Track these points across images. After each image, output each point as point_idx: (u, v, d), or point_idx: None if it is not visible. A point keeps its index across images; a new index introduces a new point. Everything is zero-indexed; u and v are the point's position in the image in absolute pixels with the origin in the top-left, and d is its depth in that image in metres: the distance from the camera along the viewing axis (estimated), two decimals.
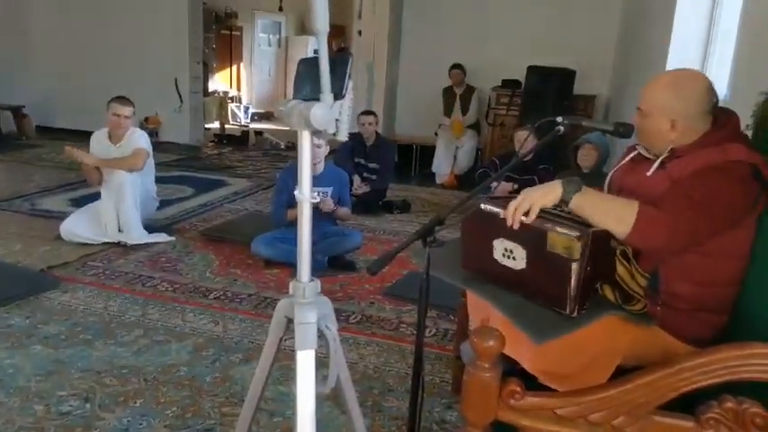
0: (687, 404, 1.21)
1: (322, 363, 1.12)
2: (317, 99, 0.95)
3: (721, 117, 1.60)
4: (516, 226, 1.50)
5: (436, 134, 6.78)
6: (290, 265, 3.62)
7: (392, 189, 5.60)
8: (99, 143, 4.02)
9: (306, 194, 1.03)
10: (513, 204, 1.51)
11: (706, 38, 3.78)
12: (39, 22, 8.08)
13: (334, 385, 1.07)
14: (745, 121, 1.68)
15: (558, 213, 1.54)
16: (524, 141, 4.33)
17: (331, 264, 3.68)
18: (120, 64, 7.68)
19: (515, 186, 4.58)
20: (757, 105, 1.72)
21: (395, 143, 6.44)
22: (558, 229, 1.45)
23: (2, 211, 4.61)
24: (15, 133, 7.73)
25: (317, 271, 3.75)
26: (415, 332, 2.87)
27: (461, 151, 6.64)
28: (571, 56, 6.11)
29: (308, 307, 0.98)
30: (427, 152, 6.86)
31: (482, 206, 1.64)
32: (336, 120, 0.95)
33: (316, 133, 0.97)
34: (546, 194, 1.51)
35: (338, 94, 0.95)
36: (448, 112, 6.79)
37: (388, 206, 5.24)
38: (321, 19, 0.88)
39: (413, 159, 7.10)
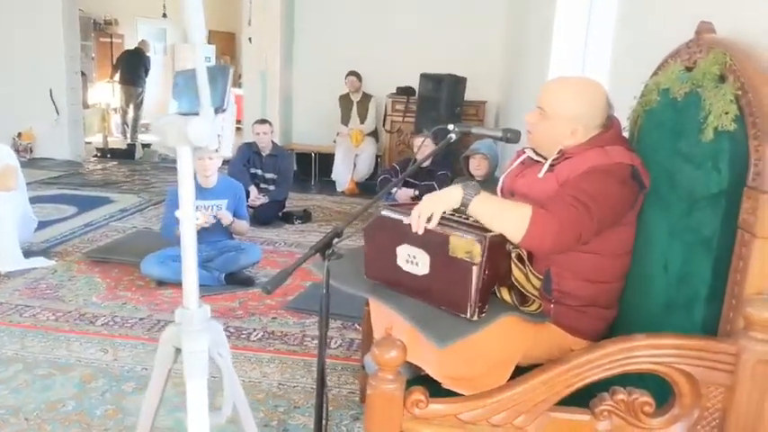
0: (584, 398, 1.26)
1: (218, 388, 1.06)
2: (197, 113, 0.89)
3: (605, 121, 1.69)
4: (421, 231, 1.51)
5: (335, 141, 6.76)
6: None
7: (292, 199, 5.52)
8: None
9: (188, 216, 0.96)
10: (416, 210, 1.52)
11: (583, 44, 4.02)
12: None
13: (230, 413, 1.01)
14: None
15: (458, 219, 1.58)
16: (421, 147, 4.42)
17: (229, 280, 3.55)
18: None
19: (416, 192, 4.66)
20: (633, 110, 1.83)
21: (292, 152, 6.36)
22: (459, 233, 1.48)
23: None
24: None
25: (214, 288, 3.60)
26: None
27: (361, 158, 6.66)
28: (461, 63, 6.32)
29: (197, 335, 0.92)
30: (326, 160, 6.84)
31: (384, 213, 1.64)
32: (218, 135, 0.90)
33: (197, 150, 0.91)
34: (446, 199, 1.53)
35: (219, 108, 0.89)
36: (345, 119, 6.79)
37: (288, 217, 5.15)
38: (196, 29, 0.83)
39: (312, 168, 7.04)
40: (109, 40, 10.58)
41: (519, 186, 1.75)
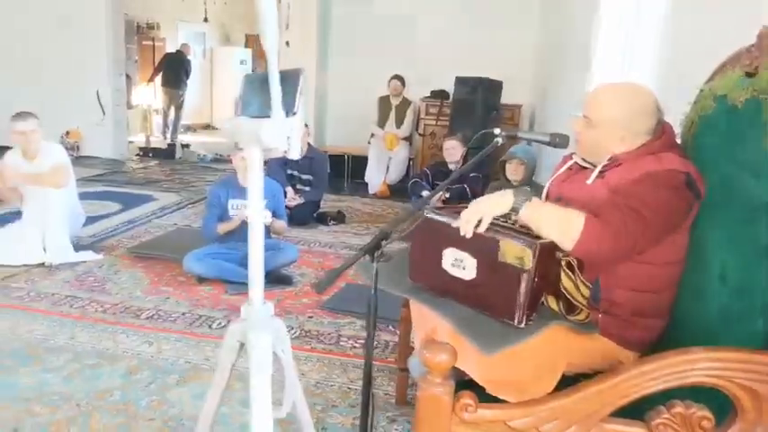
0: (626, 413, 1.25)
1: (275, 384, 1.08)
2: (267, 116, 0.92)
3: (655, 127, 1.66)
4: (470, 235, 1.51)
5: (369, 143, 6.80)
6: (224, 282, 3.52)
7: (325, 200, 5.57)
8: (13, 162, 3.79)
9: (257, 214, 0.99)
10: (465, 213, 1.52)
11: (627, 47, 3.95)
12: None
13: (289, 410, 1.04)
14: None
15: (504, 224, 1.57)
16: (453, 151, 4.43)
17: (267, 278, 3.58)
18: (37, 77, 7.28)
19: (447, 195, 4.66)
20: (686, 116, 1.80)
21: (326, 153, 6.42)
22: (510, 239, 1.47)
23: None
24: None
25: None
26: (355, 345, 2.88)
27: (393, 161, 6.68)
28: (496, 66, 6.29)
29: (262, 331, 0.95)
30: (359, 162, 6.86)
31: (430, 216, 1.64)
32: (288, 137, 0.92)
33: (266, 151, 0.94)
34: (496, 203, 1.53)
35: (289, 111, 0.92)
36: (382, 122, 6.81)
37: (322, 218, 5.20)
38: (270, 35, 0.85)
39: (345, 169, 7.09)
40: (151, 43, 10.82)
41: (566, 192, 1.73)
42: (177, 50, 10.07)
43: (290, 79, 0.93)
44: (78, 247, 3.89)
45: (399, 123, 6.79)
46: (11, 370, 2.48)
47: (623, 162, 1.61)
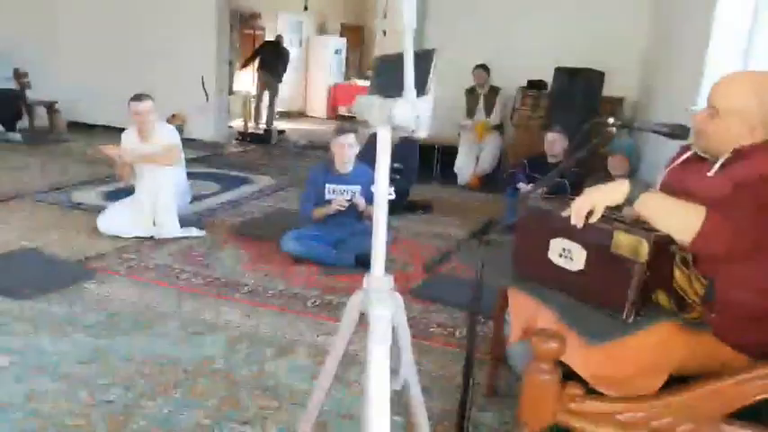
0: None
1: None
2: (398, 95, 0.95)
3: None
4: (581, 225, 1.47)
5: (459, 134, 6.75)
6: (319, 263, 3.64)
7: (414, 189, 5.59)
8: (129, 142, 4.07)
9: (382, 193, 1.03)
10: (577, 203, 1.48)
11: (748, 37, 3.68)
12: (69, 20, 8.17)
13: (403, 382, 1.07)
14: None
15: (615, 216, 1.53)
16: (556, 143, 4.31)
17: (359, 261, 3.68)
18: (148, 62, 7.75)
19: (545, 190, 4.55)
20: None
21: (417, 143, 6.42)
22: (624, 230, 1.43)
23: (39, 203, 4.67)
24: (47, 128, 7.82)
25: (345, 268, 3.77)
26: (444, 333, 2.89)
27: (484, 152, 6.60)
28: (597, 58, 6.06)
29: (383, 301, 0.98)
30: (449, 152, 6.82)
31: (538, 205, 1.63)
32: (417, 116, 0.95)
33: (396, 129, 0.97)
34: (611, 193, 1.47)
35: (420, 91, 0.94)
36: (471, 113, 6.74)
37: (411, 207, 5.23)
38: (408, 14, 0.88)
39: (434, 160, 7.08)
40: (252, 31, 11.23)
41: (683, 184, 1.64)
42: (275, 39, 10.37)
43: (422, 59, 0.95)
44: (184, 222, 4.11)
45: (488, 113, 6.68)
46: (124, 333, 2.69)
47: (749, 156, 1.52)
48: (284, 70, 10.03)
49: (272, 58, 9.92)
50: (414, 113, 0.94)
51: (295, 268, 3.62)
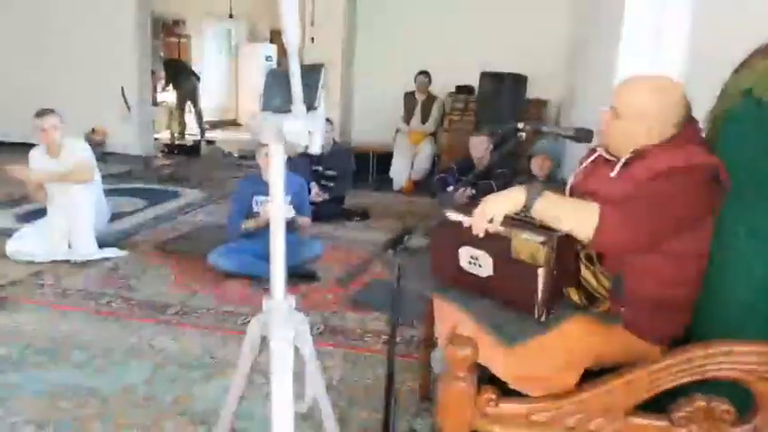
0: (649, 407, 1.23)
1: (296, 378, 1.09)
2: (289, 111, 0.92)
3: (683, 120, 1.63)
4: (481, 234, 1.50)
5: (394, 140, 6.79)
6: (250, 277, 3.55)
7: (350, 195, 5.58)
8: (38, 160, 3.86)
9: (279, 208, 1.00)
10: (476, 212, 1.51)
11: (655, 42, 3.88)
12: None
13: (311, 404, 1.04)
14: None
15: (522, 219, 1.55)
16: (480, 146, 4.39)
17: (291, 274, 3.61)
18: (63, 73, 7.42)
19: (473, 191, 4.63)
20: (711, 109, 1.76)
21: (352, 149, 6.42)
22: (522, 235, 1.46)
23: None
24: None
25: None
26: (380, 340, 2.88)
27: (418, 157, 6.68)
28: (522, 62, 6.23)
29: (284, 326, 0.95)
30: (384, 158, 6.87)
31: (447, 214, 1.64)
32: (309, 132, 0.93)
33: (288, 146, 0.95)
34: (508, 200, 1.51)
35: (311, 106, 0.92)
36: (408, 118, 6.81)
37: (347, 214, 5.21)
38: (292, 30, 0.86)
39: (370, 166, 7.10)
40: (176, 39, 10.96)
41: (590, 185, 1.71)
42: (177, 58, 10.34)
43: (311, 74, 0.93)
44: (103, 243, 3.94)
45: (425, 119, 6.78)
46: (37, 366, 2.53)
47: (648, 155, 1.59)
48: (187, 81, 9.88)
49: (178, 73, 9.80)
50: (305, 129, 0.91)
51: (225, 284, 3.52)
